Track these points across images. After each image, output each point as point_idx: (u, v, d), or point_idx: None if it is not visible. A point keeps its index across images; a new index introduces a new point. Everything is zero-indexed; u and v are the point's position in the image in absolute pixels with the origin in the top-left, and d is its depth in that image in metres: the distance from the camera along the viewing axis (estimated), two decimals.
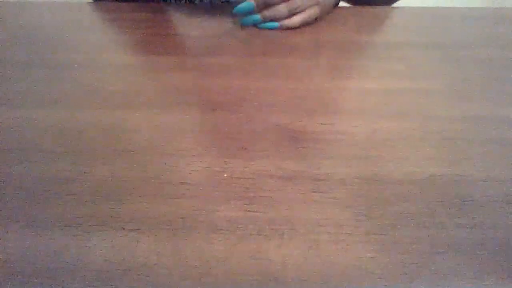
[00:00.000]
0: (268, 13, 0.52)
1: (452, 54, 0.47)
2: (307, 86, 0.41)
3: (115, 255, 0.24)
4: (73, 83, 0.41)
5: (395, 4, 0.65)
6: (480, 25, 0.55)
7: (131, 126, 0.35)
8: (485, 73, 0.43)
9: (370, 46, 0.49)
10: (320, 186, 0.29)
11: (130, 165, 0.31)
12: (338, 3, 0.63)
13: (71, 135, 0.34)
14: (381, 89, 0.40)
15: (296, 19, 0.53)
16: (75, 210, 0.27)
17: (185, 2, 0.63)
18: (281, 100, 0.38)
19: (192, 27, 0.54)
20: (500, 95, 0.39)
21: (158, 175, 0.30)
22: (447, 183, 0.29)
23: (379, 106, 0.38)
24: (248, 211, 0.27)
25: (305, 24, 0.53)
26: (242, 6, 0.52)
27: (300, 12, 0.53)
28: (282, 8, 0.52)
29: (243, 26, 0.54)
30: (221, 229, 0.26)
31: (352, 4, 0.68)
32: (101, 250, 0.24)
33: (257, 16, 0.53)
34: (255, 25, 0.53)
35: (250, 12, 0.53)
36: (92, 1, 0.62)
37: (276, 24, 0.53)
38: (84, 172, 0.30)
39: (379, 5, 0.62)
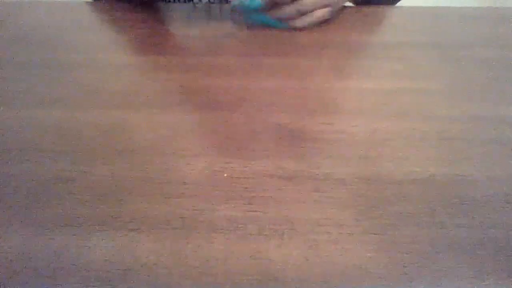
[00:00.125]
0: (276, 12, 0.51)
1: (452, 54, 0.47)
2: (307, 86, 0.41)
3: (115, 255, 0.24)
4: (73, 83, 0.41)
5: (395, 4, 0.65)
6: (480, 25, 0.55)
7: (131, 126, 0.35)
8: (485, 73, 0.43)
9: (370, 46, 0.49)
10: (320, 186, 0.29)
11: (130, 165, 0.31)
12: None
13: (71, 135, 0.34)
14: (381, 89, 0.40)
15: (305, 20, 0.51)
16: (75, 210, 0.27)
17: (185, 1, 0.63)
18: (281, 100, 0.38)
19: (192, 27, 0.54)
20: (500, 95, 0.39)
21: (158, 175, 0.30)
22: (447, 183, 0.29)
23: (379, 106, 0.38)
24: (248, 211, 0.27)
25: (314, 25, 0.52)
26: (250, 3, 0.51)
27: (310, 12, 0.52)
28: (291, 8, 0.51)
29: (249, 25, 0.53)
30: (221, 229, 0.26)
31: (354, 4, 0.68)
32: (101, 250, 0.24)
33: (266, 15, 0.52)
34: (263, 24, 0.52)
35: (257, 10, 0.51)
36: (92, 1, 0.62)
37: (284, 24, 0.52)
38: (84, 172, 0.30)
39: (381, 5, 0.62)
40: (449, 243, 0.25)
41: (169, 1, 0.63)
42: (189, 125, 0.35)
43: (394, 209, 0.27)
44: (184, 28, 0.54)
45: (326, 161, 0.31)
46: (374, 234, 0.25)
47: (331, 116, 0.36)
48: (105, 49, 0.48)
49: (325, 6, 0.51)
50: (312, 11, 0.51)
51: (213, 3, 0.61)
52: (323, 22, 0.53)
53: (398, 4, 0.64)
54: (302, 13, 0.51)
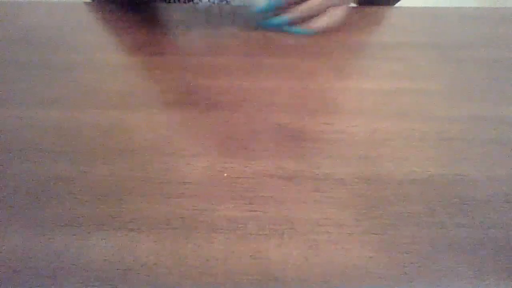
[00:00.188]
0: (291, 13, 0.48)
1: (452, 54, 0.47)
2: (307, 86, 0.41)
3: (115, 255, 0.24)
4: (73, 83, 0.41)
5: (395, 4, 0.65)
6: (480, 25, 0.55)
7: (131, 126, 0.35)
8: (485, 73, 0.43)
9: (370, 46, 0.49)
10: (320, 186, 0.29)
11: (130, 165, 0.31)
12: None
13: (71, 135, 0.34)
14: (381, 89, 0.40)
15: (320, 22, 0.49)
16: (75, 210, 0.27)
17: (185, 2, 0.63)
18: (281, 100, 0.38)
19: (192, 27, 0.54)
20: (500, 95, 0.39)
21: (158, 175, 0.30)
22: (447, 183, 0.29)
23: (379, 106, 0.38)
24: (248, 210, 0.27)
25: (332, 26, 0.50)
26: (267, 7, 0.48)
27: (323, 13, 0.49)
28: (302, 7, 0.48)
29: (262, 27, 0.50)
30: (221, 229, 0.26)
31: (356, 3, 0.68)
32: (101, 250, 0.24)
33: (286, 17, 0.49)
34: (279, 28, 0.50)
35: (272, 11, 0.49)
36: (91, 1, 0.62)
37: (307, 30, 0.49)
38: (84, 172, 0.30)
39: (382, 5, 0.61)
40: (449, 243, 0.25)
41: (169, 2, 0.63)
42: (189, 125, 0.35)
43: (394, 209, 0.27)
44: (184, 28, 0.54)
45: (326, 161, 0.31)
46: (374, 234, 0.25)
47: (331, 116, 0.36)
48: (104, 49, 0.48)
49: (335, 4, 0.49)
50: (323, 10, 0.49)
51: (213, 2, 0.61)
52: (339, 23, 0.51)
53: (398, 4, 0.64)
54: (314, 14, 0.49)
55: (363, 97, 0.39)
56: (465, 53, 0.47)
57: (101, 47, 0.49)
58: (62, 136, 0.34)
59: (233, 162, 0.31)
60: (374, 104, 0.38)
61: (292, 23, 0.50)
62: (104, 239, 0.25)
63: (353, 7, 0.60)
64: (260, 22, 0.51)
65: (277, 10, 0.49)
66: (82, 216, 0.26)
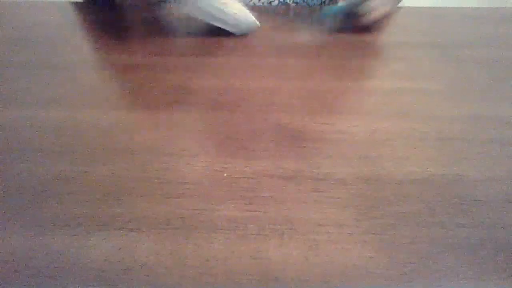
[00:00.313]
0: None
1: (452, 54, 0.47)
2: (307, 86, 0.41)
3: (115, 255, 0.24)
4: (73, 83, 0.41)
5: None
6: (480, 25, 0.55)
7: (131, 126, 0.35)
8: (485, 73, 0.43)
9: (370, 46, 0.49)
10: (320, 186, 0.29)
11: (130, 165, 0.31)
12: None
13: (71, 135, 0.34)
14: (381, 89, 0.40)
15: (376, 13, 0.51)
16: (75, 210, 0.27)
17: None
18: (281, 100, 0.38)
19: (192, 28, 0.54)
20: (500, 95, 0.39)
21: (158, 175, 0.30)
22: (447, 183, 0.29)
23: (379, 106, 0.38)
24: (248, 210, 0.27)
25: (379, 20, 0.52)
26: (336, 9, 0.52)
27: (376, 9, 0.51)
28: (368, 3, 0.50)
29: (333, 28, 0.53)
30: (221, 229, 0.26)
31: None
32: (101, 250, 0.24)
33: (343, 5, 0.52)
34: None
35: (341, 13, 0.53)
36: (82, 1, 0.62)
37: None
38: (84, 172, 0.30)
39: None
40: (449, 243, 0.25)
41: (169, 2, 0.63)
42: (189, 125, 0.35)
43: (394, 209, 0.27)
44: (184, 29, 0.54)
45: (326, 161, 0.31)
46: (374, 234, 0.25)
47: (331, 116, 0.36)
48: (105, 49, 0.48)
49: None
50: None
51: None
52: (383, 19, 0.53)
53: (398, 4, 0.64)
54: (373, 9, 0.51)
55: (363, 97, 0.39)
56: (466, 53, 0.47)
57: (100, 47, 0.49)
58: (62, 136, 0.34)
59: (233, 162, 0.31)
60: (374, 104, 0.38)
61: (347, 12, 0.52)
62: (104, 239, 0.25)
63: None
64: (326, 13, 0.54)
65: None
66: (82, 216, 0.26)
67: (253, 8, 0.60)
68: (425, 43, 0.49)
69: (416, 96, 0.39)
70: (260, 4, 0.63)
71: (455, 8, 0.60)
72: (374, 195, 0.28)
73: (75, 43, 0.49)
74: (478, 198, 0.28)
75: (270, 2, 0.63)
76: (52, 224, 0.26)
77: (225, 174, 0.30)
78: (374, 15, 0.51)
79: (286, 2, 0.63)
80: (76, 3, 0.61)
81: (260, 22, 0.52)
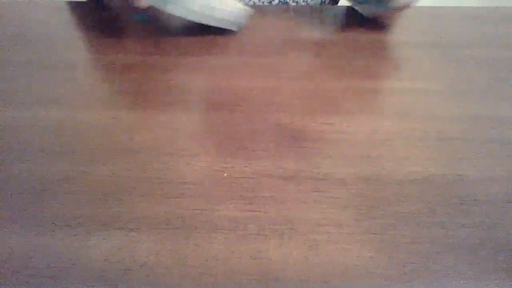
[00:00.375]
0: None
1: (452, 54, 0.47)
2: (308, 86, 0.41)
3: (115, 255, 0.24)
4: (73, 83, 0.41)
5: None
6: (480, 25, 0.55)
7: (131, 126, 0.35)
8: (485, 73, 0.43)
9: (370, 46, 0.49)
10: (320, 186, 0.29)
11: (130, 165, 0.31)
12: None
13: (71, 135, 0.34)
14: (381, 89, 0.40)
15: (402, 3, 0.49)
16: (75, 210, 0.27)
17: None
18: (281, 100, 0.38)
19: (192, 28, 0.54)
20: (500, 95, 0.39)
21: (158, 175, 0.30)
22: (447, 183, 0.29)
23: (379, 106, 0.38)
24: (248, 210, 0.27)
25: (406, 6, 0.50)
26: None
27: None
28: None
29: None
30: (221, 229, 0.26)
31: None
32: (101, 250, 0.24)
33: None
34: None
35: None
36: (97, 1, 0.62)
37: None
38: (84, 172, 0.30)
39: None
40: (449, 243, 0.25)
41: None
42: (189, 125, 0.35)
43: (394, 209, 0.27)
44: (184, 29, 0.54)
45: (326, 161, 0.31)
46: (374, 234, 0.25)
47: (331, 116, 0.36)
48: (104, 49, 0.48)
49: None
50: None
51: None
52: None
53: None
54: None
55: (363, 97, 0.39)
56: (466, 53, 0.47)
57: (101, 47, 0.49)
58: (62, 136, 0.34)
59: (233, 162, 0.31)
60: (374, 104, 0.38)
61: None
62: (104, 239, 0.25)
63: (352, 7, 0.60)
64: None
65: None
66: (82, 216, 0.26)
67: (253, 8, 0.60)
68: (425, 42, 0.49)
69: (416, 96, 0.39)
70: (260, 3, 0.63)
71: (455, 8, 0.60)
72: (374, 195, 0.28)
73: (75, 43, 0.49)
74: (478, 198, 0.28)
75: (270, 2, 0.63)
76: (52, 224, 0.26)
77: (225, 174, 0.30)
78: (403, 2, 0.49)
79: (286, 2, 0.63)
80: (76, 2, 0.61)
81: (260, 22, 0.52)
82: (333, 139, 0.33)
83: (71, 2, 0.61)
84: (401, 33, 0.52)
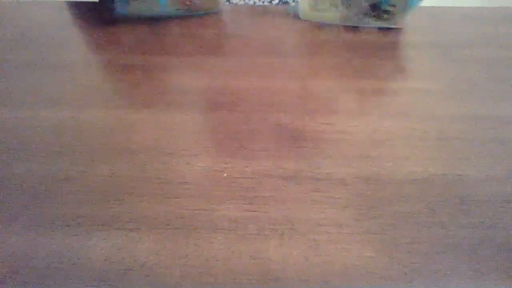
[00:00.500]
0: None
1: (452, 54, 0.47)
2: (307, 86, 0.41)
3: (115, 255, 0.24)
4: (73, 83, 0.41)
5: None
6: (480, 25, 0.55)
7: (131, 126, 0.35)
8: (486, 73, 0.43)
9: (370, 46, 0.49)
10: (320, 186, 0.29)
11: (130, 165, 0.31)
12: None
13: (71, 135, 0.34)
14: (381, 89, 0.40)
15: None
16: (75, 210, 0.27)
17: None
18: (281, 100, 0.38)
19: (191, 27, 0.54)
20: (500, 95, 0.39)
21: (158, 175, 0.30)
22: (447, 183, 0.29)
23: (379, 106, 0.38)
24: (248, 210, 0.27)
25: None
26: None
27: None
28: None
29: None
30: (221, 229, 0.26)
31: None
32: (101, 250, 0.24)
33: None
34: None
35: None
36: (97, 1, 0.62)
37: None
38: (84, 172, 0.30)
39: None
40: (449, 243, 0.25)
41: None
42: (189, 125, 0.35)
43: (394, 209, 0.27)
44: (184, 29, 0.54)
45: (326, 161, 0.31)
46: (374, 234, 0.25)
47: (331, 116, 0.36)
48: (104, 49, 0.48)
49: None
50: None
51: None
52: None
53: None
54: None
55: (363, 97, 0.39)
56: (466, 53, 0.47)
57: (101, 47, 0.49)
58: (62, 136, 0.34)
59: (233, 162, 0.31)
60: (374, 104, 0.38)
61: None
62: (104, 239, 0.25)
63: None
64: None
65: None
66: (82, 216, 0.26)
67: (252, 8, 0.60)
68: (425, 42, 0.49)
69: (416, 96, 0.39)
70: (260, 3, 0.63)
71: (455, 8, 0.60)
72: (374, 195, 0.28)
73: (75, 43, 0.49)
74: (478, 198, 0.28)
75: (270, 1, 0.63)
76: (52, 224, 0.26)
77: (225, 174, 0.30)
78: None
79: (287, 2, 0.63)
80: (77, 2, 0.61)
81: (260, 22, 0.52)
82: (333, 139, 0.33)
83: (71, 2, 0.61)
84: (401, 33, 0.52)
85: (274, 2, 0.63)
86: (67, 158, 0.31)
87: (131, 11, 0.54)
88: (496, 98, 0.39)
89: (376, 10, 0.52)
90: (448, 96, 0.39)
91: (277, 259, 0.24)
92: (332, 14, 0.54)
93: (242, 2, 0.59)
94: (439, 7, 0.60)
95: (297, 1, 0.63)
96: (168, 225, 0.26)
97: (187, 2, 0.56)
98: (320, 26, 0.54)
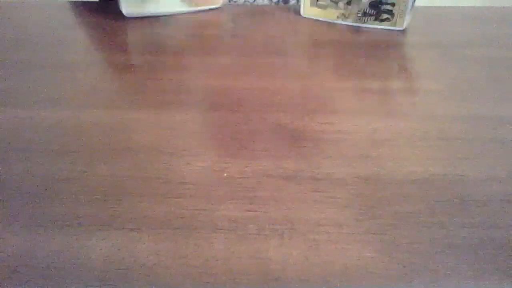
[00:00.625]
0: None
1: (453, 54, 0.47)
2: (307, 86, 0.41)
3: (115, 255, 0.24)
4: (73, 83, 0.41)
5: None
6: (480, 25, 0.55)
7: (131, 126, 0.35)
8: (486, 73, 0.43)
9: (370, 46, 0.49)
10: (320, 185, 0.29)
11: (130, 165, 0.31)
12: None
13: (71, 135, 0.34)
14: (381, 89, 0.40)
15: None
16: (75, 210, 0.27)
17: None
18: (281, 100, 0.38)
19: (191, 27, 0.54)
20: (500, 95, 0.39)
21: (158, 175, 0.30)
22: (447, 183, 0.29)
23: (379, 106, 0.38)
24: (248, 210, 0.27)
25: None
26: None
27: None
28: None
29: None
30: (221, 229, 0.26)
31: None
32: (101, 250, 0.24)
33: None
34: None
35: None
36: (98, 1, 0.62)
37: None
38: (84, 172, 0.30)
39: None
40: (449, 243, 0.25)
41: None
42: (189, 125, 0.35)
43: (394, 209, 0.27)
44: (184, 29, 0.54)
45: (326, 161, 0.31)
46: (374, 234, 0.25)
47: (331, 116, 0.36)
48: (104, 49, 0.48)
49: None
50: None
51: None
52: None
53: None
54: None
55: (363, 97, 0.39)
56: (466, 53, 0.47)
57: (101, 47, 0.49)
58: (63, 136, 0.34)
59: (233, 162, 0.31)
60: (374, 104, 0.38)
61: None
62: (104, 239, 0.25)
63: None
64: None
65: None
66: (82, 216, 0.26)
67: (253, 7, 0.60)
68: (425, 42, 0.49)
69: (416, 96, 0.39)
70: (261, 2, 0.63)
71: (455, 8, 0.60)
72: (374, 195, 0.28)
73: (75, 43, 0.49)
74: (478, 198, 0.28)
75: (271, 0, 0.63)
76: (52, 224, 0.26)
77: (225, 174, 0.30)
78: None
79: (288, 1, 0.63)
80: (77, 2, 0.61)
81: (260, 22, 0.52)
82: (333, 139, 0.33)
83: (72, 2, 0.61)
84: (401, 33, 0.52)
85: (274, 0, 0.63)
86: (67, 158, 0.31)
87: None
88: (496, 98, 0.39)
89: (376, 9, 0.52)
90: (448, 96, 0.39)
91: (277, 259, 0.24)
92: (333, 11, 0.54)
93: (242, 1, 0.59)
94: (439, 7, 0.60)
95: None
96: (168, 225, 0.26)
97: None
98: (320, 25, 0.54)
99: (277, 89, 0.40)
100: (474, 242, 0.25)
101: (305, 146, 0.32)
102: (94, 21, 0.56)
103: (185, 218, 0.26)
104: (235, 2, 0.62)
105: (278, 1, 0.63)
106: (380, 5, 0.51)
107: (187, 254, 0.24)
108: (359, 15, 0.53)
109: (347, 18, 0.53)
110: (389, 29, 0.52)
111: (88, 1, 0.62)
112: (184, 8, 0.56)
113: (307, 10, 0.56)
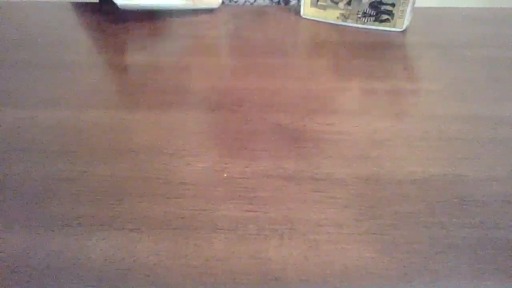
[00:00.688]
0: None
1: (453, 54, 0.47)
2: (307, 86, 0.41)
3: (115, 255, 0.24)
4: (73, 83, 0.41)
5: None
6: (480, 25, 0.55)
7: (131, 126, 0.35)
8: (485, 73, 0.43)
9: (370, 46, 0.49)
10: (320, 186, 0.29)
11: (130, 165, 0.31)
12: None
13: (71, 135, 0.34)
14: (381, 89, 0.40)
15: None
16: (75, 210, 0.27)
17: None
18: (281, 100, 0.38)
19: (191, 28, 0.54)
20: (500, 95, 0.39)
21: (158, 175, 0.30)
22: (447, 183, 0.29)
23: (379, 106, 0.38)
24: (248, 210, 0.27)
25: None
26: None
27: None
28: None
29: None
30: (221, 229, 0.26)
31: None
32: (101, 250, 0.24)
33: None
34: None
35: None
36: (98, 1, 0.62)
37: None
38: (84, 172, 0.30)
39: None
40: (449, 243, 0.25)
41: None
42: (189, 125, 0.35)
43: (394, 209, 0.27)
44: (184, 29, 0.54)
45: (326, 161, 0.31)
46: (374, 234, 0.25)
47: (331, 116, 0.36)
48: (104, 49, 0.48)
49: None
50: None
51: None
52: None
53: None
54: None
55: (363, 97, 0.39)
56: (466, 53, 0.47)
57: (101, 48, 0.49)
58: (62, 136, 0.34)
59: (233, 162, 0.31)
60: (374, 104, 0.38)
61: None
62: (104, 239, 0.25)
63: None
64: None
65: None
66: (82, 216, 0.26)
67: (253, 7, 0.60)
68: (425, 43, 0.49)
69: (416, 96, 0.39)
70: (261, 2, 0.63)
71: (455, 8, 0.60)
72: (374, 195, 0.28)
73: (75, 43, 0.49)
74: (478, 198, 0.28)
75: (271, 1, 0.63)
76: (52, 224, 0.26)
77: (225, 174, 0.30)
78: None
79: (289, 1, 0.63)
80: (77, 3, 0.61)
81: (260, 22, 0.52)
82: (333, 139, 0.33)
83: (72, 2, 0.61)
84: (401, 33, 0.52)
85: (274, 0, 0.63)
86: (67, 158, 0.31)
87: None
88: (496, 98, 0.39)
89: (376, 10, 0.52)
90: (448, 96, 0.39)
91: (277, 259, 0.24)
92: (333, 12, 0.54)
93: (242, 1, 0.59)
94: (439, 7, 0.60)
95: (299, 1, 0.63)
96: (168, 225, 0.26)
97: None
98: (320, 26, 0.54)
99: (277, 89, 0.40)
100: (474, 242, 0.25)
101: (305, 147, 0.32)
102: (94, 21, 0.56)
103: (185, 218, 0.26)
104: (235, 2, 0.62)
105: (279, 2, 0.63)
106: (380, 6, 0.51)
107: (187, 254, 0.24)
108: (359, 15, 0.53)
109: (347, 18, 0.54)
110: (389, 30, 0.52)
111: (88, 2, 0.62)
112: (178, 2, 0.55)
113: (307, 10, 0.56)
